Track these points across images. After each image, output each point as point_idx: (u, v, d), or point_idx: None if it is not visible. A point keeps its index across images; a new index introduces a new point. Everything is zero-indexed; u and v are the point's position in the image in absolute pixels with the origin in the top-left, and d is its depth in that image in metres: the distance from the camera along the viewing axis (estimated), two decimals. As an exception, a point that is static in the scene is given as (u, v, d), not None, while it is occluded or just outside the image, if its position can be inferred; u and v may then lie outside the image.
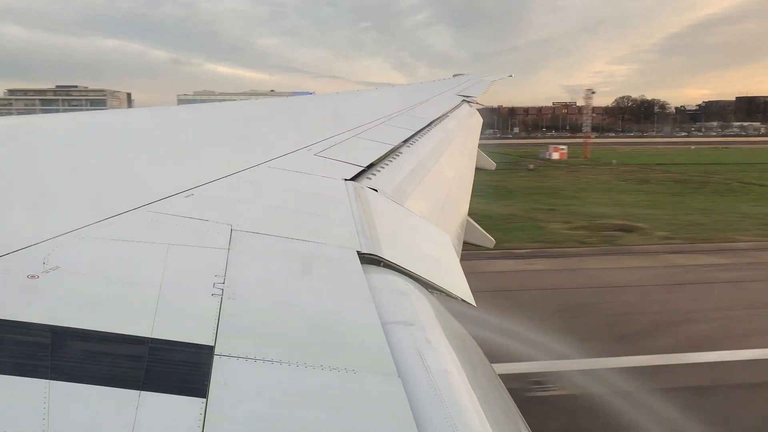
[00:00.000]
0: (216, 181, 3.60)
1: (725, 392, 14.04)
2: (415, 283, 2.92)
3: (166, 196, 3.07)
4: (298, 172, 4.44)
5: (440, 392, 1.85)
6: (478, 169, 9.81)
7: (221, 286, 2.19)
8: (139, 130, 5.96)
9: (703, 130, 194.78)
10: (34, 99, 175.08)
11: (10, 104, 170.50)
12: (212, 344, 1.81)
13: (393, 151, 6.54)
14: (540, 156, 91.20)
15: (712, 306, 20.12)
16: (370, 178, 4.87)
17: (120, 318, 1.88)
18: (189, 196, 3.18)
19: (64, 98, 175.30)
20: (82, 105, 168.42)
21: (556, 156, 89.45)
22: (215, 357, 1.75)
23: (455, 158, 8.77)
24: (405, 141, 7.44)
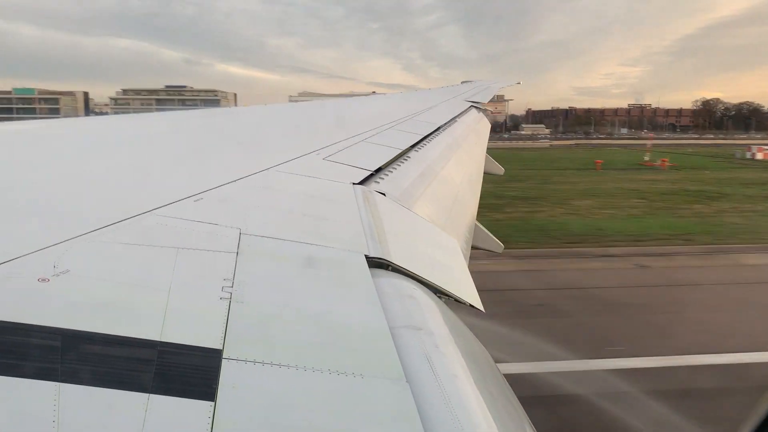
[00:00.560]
0: (225, 186, 3.61)
1: None
2: (423, 287, 2.91)
3: (175, 200, 3.09)
4: (306, 176, 4.45)
5: (448, 397, 1.84)
6: (488, 174, 9.81)
7: (230, 289, 2.20)
8: (148, 135, 5.99)
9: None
10: (150, 99, 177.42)
11: (127, 104, 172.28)
12: (221, 348, 1.81)
13: (401, 156, 6.55)
14: (737, 156, 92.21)
15: None
16: (378, 182, 4.88)
17: (129, 321, 1.89)
18: (198, 200, 3.19)
19: (176, 98, 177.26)
20: (195, 105, 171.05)
21: (760, 156, 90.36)
22: (223, 360, 1.75)
23: (463, 163, 8.77)
24: (413, 146, 7.44)
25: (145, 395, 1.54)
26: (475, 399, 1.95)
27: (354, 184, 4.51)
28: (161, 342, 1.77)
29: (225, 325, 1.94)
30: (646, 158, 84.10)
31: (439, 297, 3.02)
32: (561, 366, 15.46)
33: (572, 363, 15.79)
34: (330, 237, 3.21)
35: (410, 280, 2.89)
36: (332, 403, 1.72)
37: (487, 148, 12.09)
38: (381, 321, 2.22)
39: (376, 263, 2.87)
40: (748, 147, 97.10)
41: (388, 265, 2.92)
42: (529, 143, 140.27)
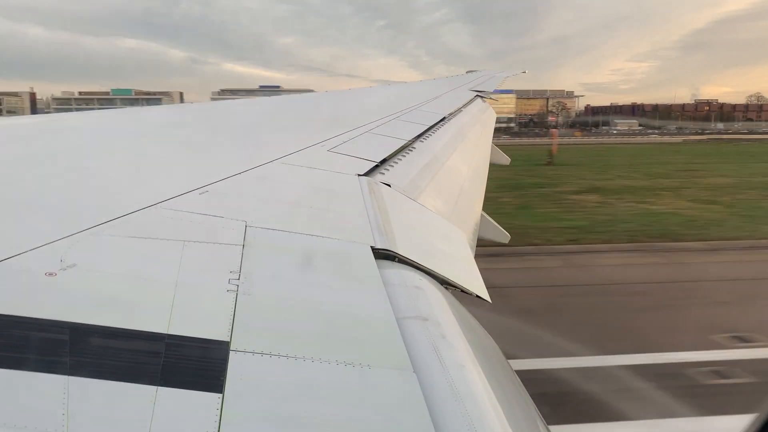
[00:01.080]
0: (230, 178, 3.61)
1: None
2: (429, 278, 2.91)
3: (180, 194, 3.09)
4: (311, 168, 4.44)
5: (455, 387, 1.84)
6: (492, 165, 9.78)
7: (236, 282, 2.20)
8: (153, 129, 6.00)
9: None
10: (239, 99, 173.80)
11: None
12: (228, 340, 1.81)
13: (406, 147, 6.53)
14: None
15: None
16: (383, 174, 4.87)
17: (137, 314, 1.90)
18: (203, 193, 3.19)
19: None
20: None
21: None
22: (231, 352, 1.76)
23: (469, 153, 8.74)
24: (418, 136, 7.42)
25: (153, 388, 1.55)
26: (482, 388, 1.95)
27: (359, 175, 4.50)
28: (169, 335, 1.78)
29: (232, 317, 1.94)
30: None
31: (445, 288, 3.02)
32: None
33: None
34: (336, 229, 3.21)
35: (416, 270, 2.88)
36: (340, 393, 1.73)
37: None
38: (388, 311, 2.22)
39: (382, 254, 2.87)
40: None
41: (395, 257, 2.91)
42: (640, 138, 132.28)
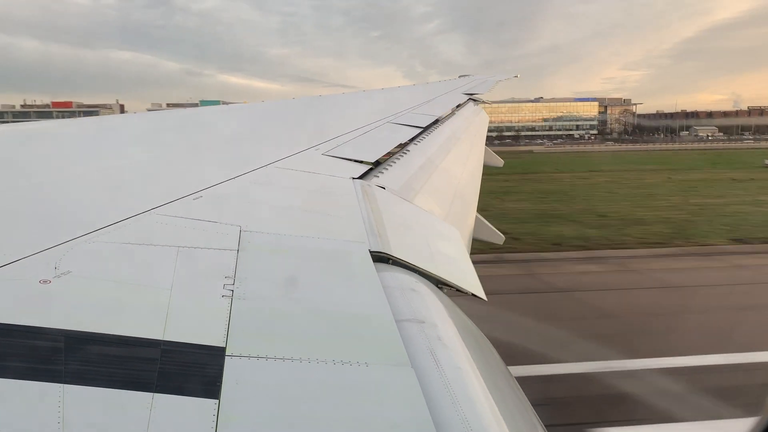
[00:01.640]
0: (224, 183, 3.61)
1: None
2: (426, 280, 2.91)
3: (175, 199, 3.08)
4: (306, 172, 4.44)
5: (452, 388, 1.84)
6: (485, 166, 9.79)
7: (231, 287, 2.19)
8: (147, 134, 5.98)
9: None
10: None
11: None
12: (224, 345, 1.80)
13: (400, 149, 6.54)
14: None
15: None
16: (377, 176, 4.87)
17: (132, 321, 1.88)
18: (198, 198, 3.18)
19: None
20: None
21: None
22: (227, 358, 1.75)
23: (462, 155, 8.75)
24: (412, 139, 7.43)
25: (149, 394, 1.54)
26: (479, 389, 1.95)
27: (354, 178, 4.50)
28: (164, 341, 1.77)
29: (227, 322, 1.93)
30: None
31: (440, 288, 3.01)
32: None
33: None
34: (331, 232, 3.21)
35: (412, 273, 2.88)
36: (338, 393, 1.72)
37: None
38: (386, 312, 2.22)
39: (377, 257, 2.86)
40: None
41: (390, 259, 2.91)
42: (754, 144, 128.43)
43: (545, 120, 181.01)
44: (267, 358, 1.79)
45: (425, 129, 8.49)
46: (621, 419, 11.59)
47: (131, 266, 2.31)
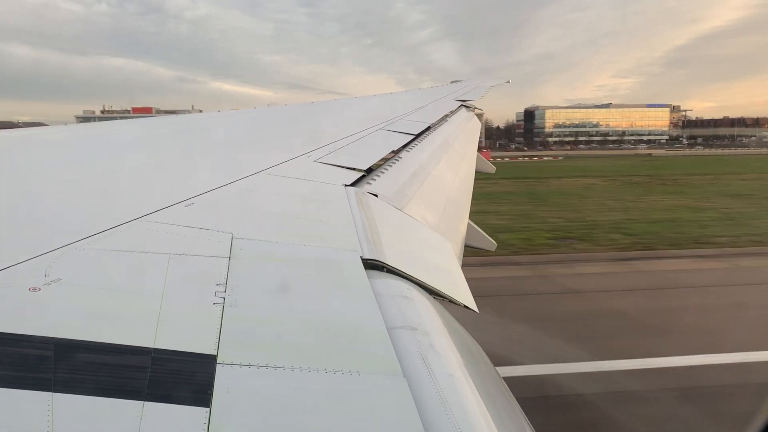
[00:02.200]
0: (216, 190, 3.60)
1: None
2: (418, 287, 2.90)
3: (166, 206, 3.07)
4: (297, 179, 4.44)
5: (445, 396, 1.84)
6: (478, 173, 9.82)
7: (223, 294, 2.18)
8: (137, 140, 5.97)
9: None
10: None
11: None
12: (215, 353, 1.80)
13: (393, 156, 6.55)
14: None
15: None
16: (370, 183, 4.87)
17: (122, 329, 1.87)
18: (189, 205, 3.17)
19: None
20: None
21: None
22: (218, 366, 1.74)
23: (455, 162, 8.77)
24: (404, 146, 7.44)
25: (139, 403, 1.53)
26: (472, 397, 1.95)
27: (346, 185, 4.50)
28: (155, 349, 1.76)
29: (219, 330, 1.93)
30: None
31: (434, 298, 3.01)
32: None
33: None
34: (323, 239, 3.20)
35: (405, 280, 2.88)
36: (329, 402, 1.71)
37: None
38: (378, 320, 2.21)
39: (370, 264, 2.86)
40: None
41: (383, 267, 2.91)
42: None
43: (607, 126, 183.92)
44: (259, 366, 1.78)
45: (417, 136, 8.50)
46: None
47: (122, 273, 2.30)
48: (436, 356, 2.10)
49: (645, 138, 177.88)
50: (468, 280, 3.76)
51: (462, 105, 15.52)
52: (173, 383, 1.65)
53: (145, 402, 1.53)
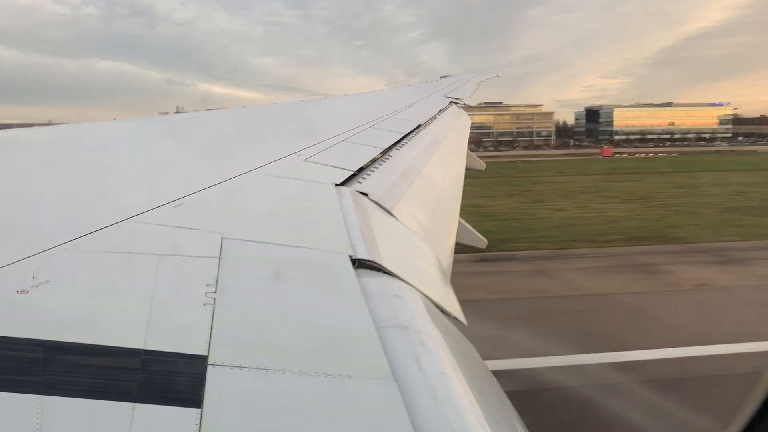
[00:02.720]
0: (205, 190, 3.59)
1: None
2: (409, 286, 2.90)
3: (155, 207, 3.06)
4: (287, 179, 4.43)
5: (437, 396, 1.84)
6: (468, 170, 9.83)
7: (213, 295, 2.18)
8: (126, 141, 5.94)
9: None
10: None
11: None
12: (206, 354, 1.80)
13: (382, 155, 6.55)
14: None
15: None
16: (360, 183, 4.87)
17: (112, 330, 1.87)
18: (178, 205, 3.16)
19: None
20: None
21: None
22: (209, 367, 1.74)
23: (445, 160, 8.78)
24: (394, 144, 7.44)
25: (130, 405, 1.53)
26: (463, 396, 1.95)
27: (336, 185, 4.50)
28: (145, 350, 1.76)
29: (209, 330, 1.92)
30: None
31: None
32: None
33: None
34: (313, 239, 3.20)
35: (395, 279, 2.88)
36: (320, 405, 1.72)
37: None
38: (367, 321, 2.22)
39: (360, 264, 2.86)
40: None
41: (373, 266, 2.91)
42: None
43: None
44: (249, 368, 1.78)
45: (407, 134, 8.51)
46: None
47: (111, 275, 2.29)
48: (428, 355, 2.11)
49: (706, 136, 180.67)
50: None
51: (452, 102, 15.55)
52: (164, 384, 1.65)
53: (136, 404, 1.53)
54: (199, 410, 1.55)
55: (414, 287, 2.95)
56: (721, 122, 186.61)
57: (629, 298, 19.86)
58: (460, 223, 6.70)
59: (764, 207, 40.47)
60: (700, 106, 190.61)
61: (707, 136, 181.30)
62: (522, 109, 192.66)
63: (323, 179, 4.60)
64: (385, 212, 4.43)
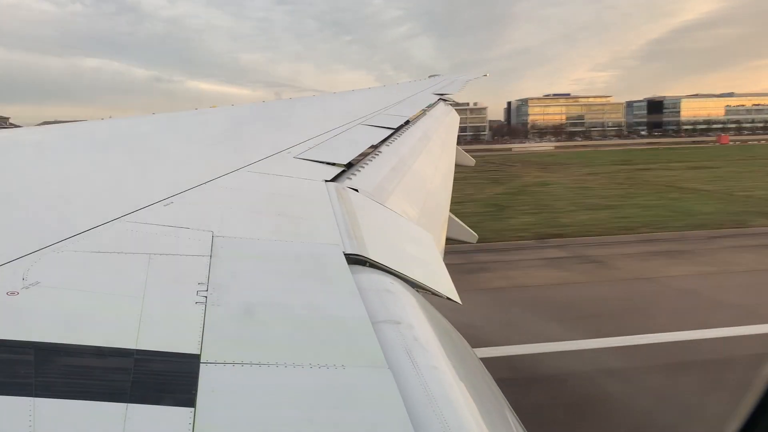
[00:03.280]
0: (195, 188, 3.57)
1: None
2: (401, 281, 2.91)
3: (145, 206, 3.04)
4: (278, 176, 4.42)
5: (430, 389, 1.84)
6: (457, 166, 9.86)
7: (205, 293, 2.17)
8: (115, 140, 5.90)
9: None
10: None
11: None
12: (198, 352, 1.79)
13: (372, 151, 6.55)
14: None
15: None
16: (350, 179, 4.87)
17: (103, 331, 1.86)
18: (168, 204, 3.15)
19: None
20: None
21: None
22: (202, 365, 1.73)
23: (435, 155, 8.79)
24: (384, 140, 7.44)
25: (123, 405, 1.51)
26: (456, 389, 1.96)
27: (326, 181, 4.50)
28: (137, 350, 1.74)
29: (201, 329, 1.91)
30: None
31: (417, 291, 3.02)
32: None
33: None
34: (305, 235, 3.20)
35: (387, 274, 2.88)
36: (315, 396, 1.71)
37: None
38: (362, 314, 2.21)
39: (352, 259, 2.86)
40: None
41: (365, 261, 2.91)
42: None
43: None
44: (243, 364, 1.78)
45: (397, 130, 8.52)
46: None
47: (102, 275, 2.28)
48: (421, 349, 2.11)
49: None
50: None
51: (440, 99, 15.57)
52: (157, 384, 1.64)
53: (129, 404, 1.52)
54: (192, 409, 1.54)
55: (407, 276, 2.96)
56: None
57: None
58: (450, 218, 6.72)
59: None
60: (760, 96, 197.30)
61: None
62: (592, 99, 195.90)
63: (313, 176, 4.60)
64: (376, 203, 4.44)
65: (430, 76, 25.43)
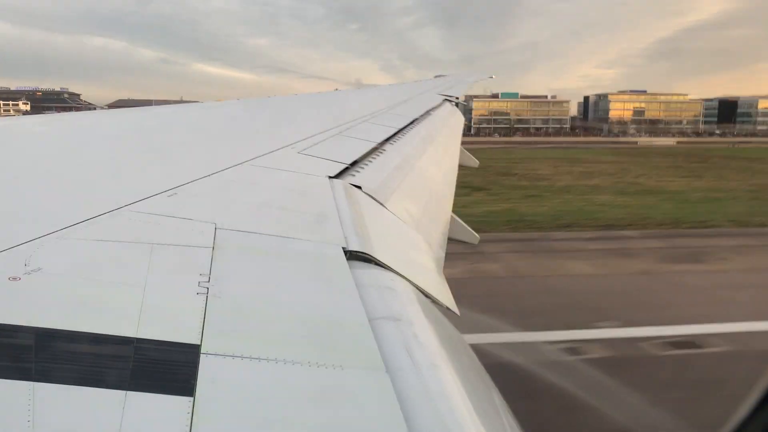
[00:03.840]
0: (199, 180, 3.58)
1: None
2: (401, 278, 2.91)
3: (148, 196, 3.05)
4: (281, 170, 4.43)
5: (428, 387, 1.85)
6: (460, 167, 9.85)
7: (206, 284, 2.18)
8: (121, 131, 5.91)
9: None
10: None
11: None
12: (198, 343, 1.79)
13: (376, 149, 6.55)
14: None
15: None
16: (353, 176, 4.87)
17: (104, 318, 1.86)
18: (172, 195, 3.16)
19: None
20: None
21: None
22: (202, 356, 1.74)
23: (438, 155, 8.79)
24: (388, 139, 7.44)
25: (122, 392, 1.52)
26: (454, 388, 1.96)
27: (330, 177, 4.50)
28: (138, 338, 1.75)
29: (202, 319, 1.92)
30: None
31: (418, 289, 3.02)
32: None
33: None
34: (306, 230, 3.20)
35: (388, 271, 2.88)
36: (312, 395, 1.72)
37: None
38: (360, 313, 2.22)
39: (353, 256, 2.86)
40: None
41: (366, 258, 2.91)
42: None
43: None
44: (242, 357, 1.78)
45: (401, 129, 8.51)
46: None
47: (104, 263, 2.28)
48: (420, 347, 2.11)
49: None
50: None
51: (445, 100, 15.58)
52: (156, 373, 1.64)
53: (128, 391, 1.53)
54: (191, 398, 1.55)
55: (406, 278, 2.96)
56: None
57: None
58: (452, 218, 6.71)
59: None
60: None
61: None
62: (669, 96, 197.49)
63: (317, 171, 4.60)
64: (378, 204, 4.43)
65: (435, 76, 25.48)
